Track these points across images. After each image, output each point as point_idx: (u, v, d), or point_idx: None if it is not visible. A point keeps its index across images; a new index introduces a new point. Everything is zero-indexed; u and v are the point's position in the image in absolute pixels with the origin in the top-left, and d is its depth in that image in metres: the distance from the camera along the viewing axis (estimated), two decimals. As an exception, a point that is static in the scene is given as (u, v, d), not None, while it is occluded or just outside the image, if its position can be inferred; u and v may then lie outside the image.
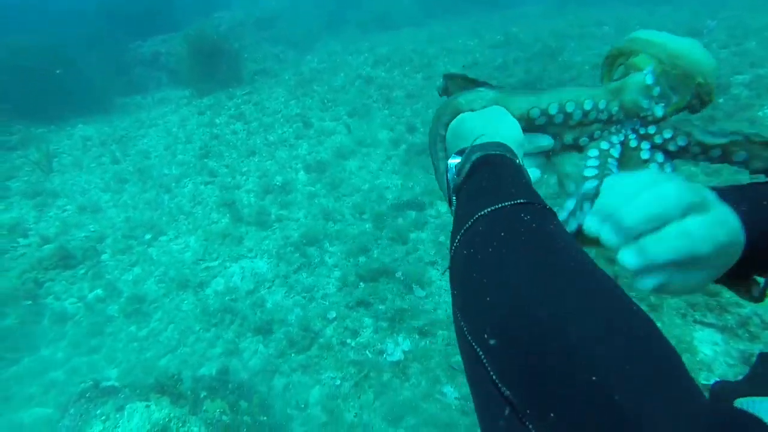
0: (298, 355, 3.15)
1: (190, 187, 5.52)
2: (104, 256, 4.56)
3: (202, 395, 2.53)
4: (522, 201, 0.55)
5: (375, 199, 4.66)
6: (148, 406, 2.11)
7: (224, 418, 2.39)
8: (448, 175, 0.72)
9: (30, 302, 3.93)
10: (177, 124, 7.76)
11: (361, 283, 3.63)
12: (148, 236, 4.74)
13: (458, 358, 2.94)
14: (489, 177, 0.64)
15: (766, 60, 5.56)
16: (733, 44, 6.25)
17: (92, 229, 4.93)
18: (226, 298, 3.76)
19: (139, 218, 5.07)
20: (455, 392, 2.70)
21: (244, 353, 3.29)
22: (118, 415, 2.07)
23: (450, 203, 0.70)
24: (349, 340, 3.17)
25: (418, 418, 2.61)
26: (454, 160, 0.71)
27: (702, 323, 2.82)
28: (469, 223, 0.56)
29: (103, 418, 2.07)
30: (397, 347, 3.07)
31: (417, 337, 3.14)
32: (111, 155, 6.89)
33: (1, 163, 6.63)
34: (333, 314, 3.38)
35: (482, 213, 0.55)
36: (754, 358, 2.08)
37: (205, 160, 6.10)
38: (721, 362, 2.57)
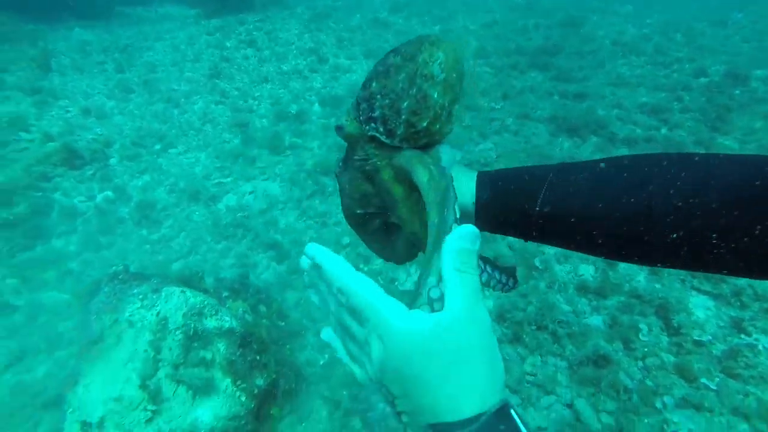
0: (311, 273, 3.24)
1: (200, 105, 5.40)
2: (112, 161, 4.48)
3: (224, 294, 2.61)
4: None
5: (390, 140, 4.67)
6: (183, 292, 2.17)
7: (247, 317, 2.48)
8: None
9: (40, 194, 3.88)
10: (184, 41, 7.46)
11: (375, 216, 3.70)
12: (157, 146, 4.67)
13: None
14: None
15: (783, 59, 5.66)
16: (756, 39, 6.32)
17: (99, 132, 4.82)
18: (238, 214, 3.79)
19: (147, 128, 4.97)
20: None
21: (257, 267, 3.36)
22: (155, 296, 2.13)
23: None
24: (362, 266, 3.27)
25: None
26: None
27: (698, 290, 3.01)
28: None
29: (141, 297, 2.13)
30: (409, 278, 3.19)
31: (427, 270, 3.25)
32: (115, 63, 6.63)
33: (-2, 54, 6.30)
34: (347, 240, 3.46)
35: None
36: (744, 324, 2.23)
37: (216, 81, 5.95)
38: (713, 324, 2.78)
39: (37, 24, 8.07)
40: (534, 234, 0.72)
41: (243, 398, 2.09)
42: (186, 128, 4.98)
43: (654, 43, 6.72)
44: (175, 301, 2.11)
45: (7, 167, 4.11)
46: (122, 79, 6.11)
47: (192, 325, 2.04)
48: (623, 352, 2.72)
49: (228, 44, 7.18)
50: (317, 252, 0.63)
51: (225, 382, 2.09)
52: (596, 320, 2.90)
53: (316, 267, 0.63)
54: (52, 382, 2.65)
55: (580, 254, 3.37)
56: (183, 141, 4.78)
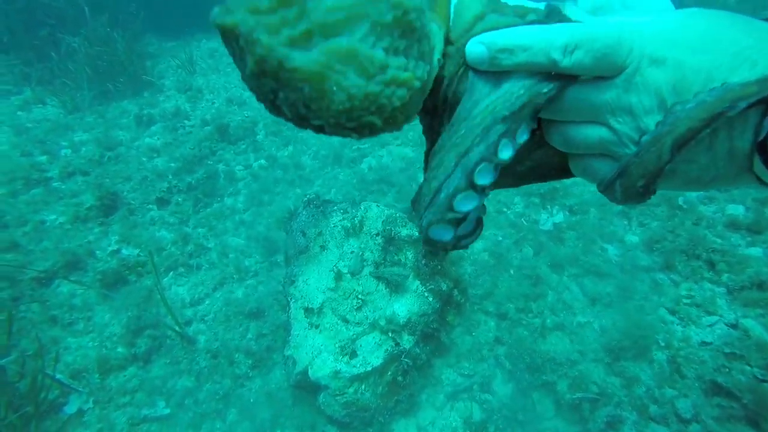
0: (456, 216, 3.53)
1: (325, 89, 5.95)
2: (259, 137, 5.11)
3: (393, 224, 2.96)
4: None
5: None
6: (378, 205, 2.54)
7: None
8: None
9: (210, 163, 4.56)
10: (298, 40, 8.18)
11: (507, 170, 3.91)
12: (296, 124, 5.24)
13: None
14: None
15: None
16: None
17: (246, 115, 5.50)
18: (381, 173, 4.18)
19: (283, 111, 5.58)
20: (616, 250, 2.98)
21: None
22: (354, 210, 2.52)
23: None
24: (504, 209, 3.50)
25: (579, 269, 2.92)
26: None
27: None
28: None
29: (342, 210, 2.53)
30: (550, 218, 3.36)
31: (568, 213, 3.41)
32: (242, 63, 7.45)
33: (154, 66, 7.38)
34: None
35: None
36: None
37: (335, 69, 6.50)
38: None
39: (176, 41, 9.36)
40: None
41: (430, 298, 2.41)
42: (317, 109, 5.52)
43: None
44: (375, 211, 2.48)
45: (183, 145, 4.87)
46: (252, 75, 6.87)
47: (391, 230, 2.40)
48: (791, 279, 2.69)
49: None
50: (499, 37, 0.48)
51: (415, 283, 2.42)
52: (756, 251, 2.88)
53: (506, 54, 0.47)
54: (249, 299, 3.16)
55: (725, 195, 3.35)
56: (316, 119, 5.32)
